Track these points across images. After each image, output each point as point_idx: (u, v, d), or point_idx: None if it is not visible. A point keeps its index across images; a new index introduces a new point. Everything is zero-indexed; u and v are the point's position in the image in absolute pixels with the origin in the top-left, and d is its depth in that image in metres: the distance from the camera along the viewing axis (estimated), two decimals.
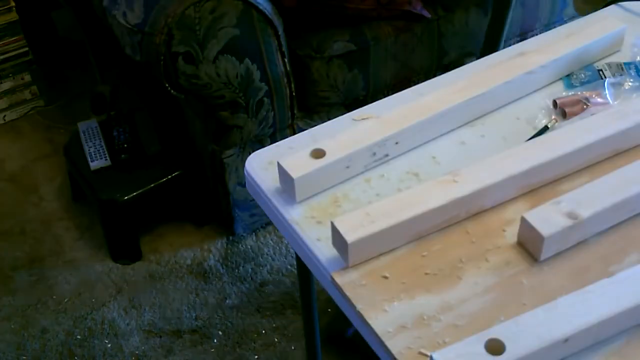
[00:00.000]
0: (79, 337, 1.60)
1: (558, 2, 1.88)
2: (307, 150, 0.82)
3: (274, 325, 1.60)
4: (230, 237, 1.79)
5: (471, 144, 0.89)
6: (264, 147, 0.91)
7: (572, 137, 0.82)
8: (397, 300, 0.71)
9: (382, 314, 0.70)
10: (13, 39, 2.08)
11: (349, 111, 0.95)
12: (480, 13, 1.71)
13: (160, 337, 1.59)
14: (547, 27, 1.90)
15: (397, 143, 0.86)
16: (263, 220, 1.78)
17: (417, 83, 0.98)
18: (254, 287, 1.67)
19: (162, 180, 1.70)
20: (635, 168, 0.78)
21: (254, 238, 1.78)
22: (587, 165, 0.83)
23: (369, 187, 0.84)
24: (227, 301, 1.65)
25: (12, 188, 1.99)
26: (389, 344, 0.67)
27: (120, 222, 1.73)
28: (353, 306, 0.71)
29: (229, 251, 1.76)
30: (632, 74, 0.95)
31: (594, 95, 0.93)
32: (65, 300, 1.68)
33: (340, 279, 0.73)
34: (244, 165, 0.89)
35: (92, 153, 1.75)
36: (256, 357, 1.54)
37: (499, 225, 0.78)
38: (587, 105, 0.91)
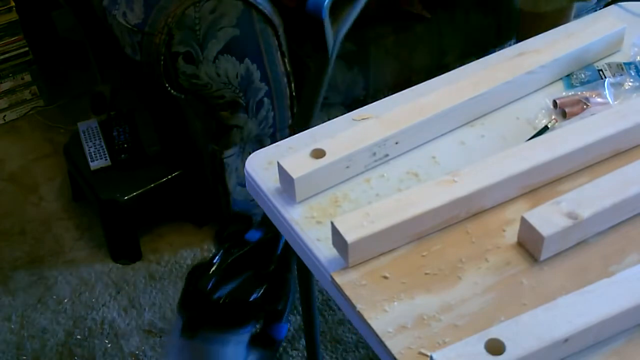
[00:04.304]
0: (78, 337, 1.60)
1: None
2: (307, 150, 0.82)
3: None
4: None
5: (471, 144, 0.89)
6: (264, 147, 0.91)
7: (572, 137, 0.82)
8: (397, 300, 0.71)
9: (382, 314, 0.70)
10: (13, 39, 2.08)
11: (349, 111, 0.95)
12: (480, 13, 1.71)
13: (160, 337, 1.59)
14: None
15: (397, 143, 0.86)
16: None
17: (417, 83, 0.98)
18: None
19: (162, 180, 1.70)
20: (635, 168, 0.78)
21: None
22: (587, 165, 0.83)
23: (369, 187, 0.84)
24: None
25: (12, 188, 1.99)
26: (389, 344, 0.67)
27: (120, 222, 1.73)
28: (353, 306, 0.71)
29: None
30: (632, 74, 0.95)
31: (594, 95, 0.93)
32: (65, 300, 1.68)
33: (340, 279, 0.73)
34: (244, 165, 0.89)
35: (92, 153, 1.75)
36: None
37: (499, 225, 0.78)
38: (587, 105, 0.91)
